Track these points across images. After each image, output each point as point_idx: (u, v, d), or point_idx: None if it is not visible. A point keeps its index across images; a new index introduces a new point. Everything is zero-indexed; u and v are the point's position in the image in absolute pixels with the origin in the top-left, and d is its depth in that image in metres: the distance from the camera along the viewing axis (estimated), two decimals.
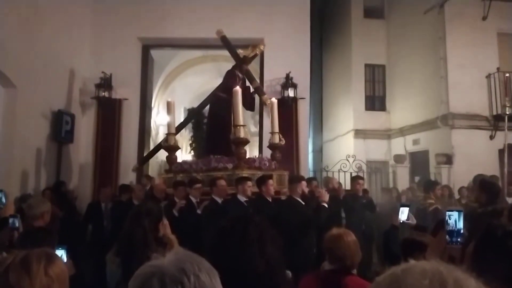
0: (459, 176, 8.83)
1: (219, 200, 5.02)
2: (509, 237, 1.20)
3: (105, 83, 8.60)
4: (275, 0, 9.11)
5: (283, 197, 5.40)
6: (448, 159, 9.53)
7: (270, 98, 7.05)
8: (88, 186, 8.49)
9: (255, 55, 6.91)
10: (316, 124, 15.23)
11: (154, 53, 10.09)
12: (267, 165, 6.25)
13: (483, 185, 4.35)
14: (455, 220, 1.68)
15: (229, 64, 11.93)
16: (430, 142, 10.49)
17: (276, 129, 6.52)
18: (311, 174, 9.64)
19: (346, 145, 12.38)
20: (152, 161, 10.97)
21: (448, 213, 1.72)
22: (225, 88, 6.62)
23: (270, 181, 5.11)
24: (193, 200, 5.22)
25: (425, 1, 10.53)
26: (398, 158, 10.35)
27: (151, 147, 9.71)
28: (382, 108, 12.74)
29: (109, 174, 8.33)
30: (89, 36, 8.95)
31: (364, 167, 9.79)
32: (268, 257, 1.40)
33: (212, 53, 11.83)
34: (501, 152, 9.64)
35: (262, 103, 6.88)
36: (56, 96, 7.86)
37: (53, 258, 1.47)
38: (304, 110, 9.05)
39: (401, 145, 11.65)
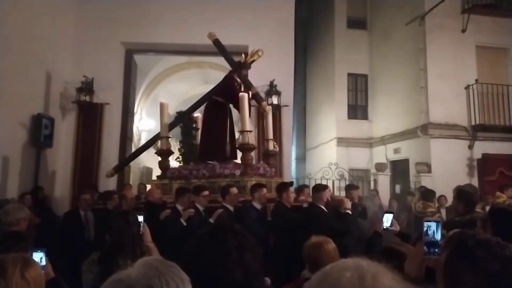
0: (438, 185, 8.98)
1: (231, 208, 4.88)
2: (480, 247, 1.19)
3: (87, 87, 8.47)
4: (260, 8, 9.17)
5: (304, 205, 5.26)
6: (428, 168, 9.71)
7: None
8: (67, 192, 8.31)
9: (253, 61, 6.75)
10: (300, 132, 15.32)
11: (138, 58, 10.01)
12: (269, 172, 6.17)
13: (460, 194, 4.43)
14: (433, 230, 1.69)
15: (214, 71, 12.02)
16: (411, 151, 10.67)
17: (271, 136, 6.45)
18: (294, 182, 9.65)
19: (329, 153, 12.48)
20: (133, 167, 10.83)
21: (426, 223, 1.72)
22: (223, 92, 6.41)
23: (291, 188, 5.04)
24: (200, 208, 4.94)
25: (406, 13, 10.77)
26: (380, 167, 10.48)
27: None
28: (364, 117, 12.91)
29: (89, 180, 8.11)
30: (71, 40, 8.82)
31: (346, 175, 9.87)
32: (247, 266, 1.41)
33: (197, 59, 11.81)
34: (479, 161, 9.88)
35: (261, 110, 6.73)
36: (36, 100, 7.70)
37: (30, 262, 1.48)
38: (287, 118, 9.09)
39: (382, 154, 11.81)
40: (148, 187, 8.82)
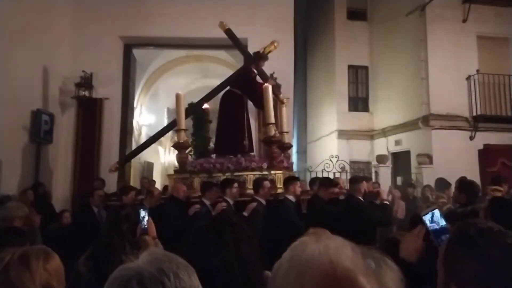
0: (439, 176, 8.96)
1: (264, 202, 4.86)
2: (481, 235, 1.18)
3: (86, 82, 8.42)
4: (259, 1, 9.09)
5: (341, 197, 5.28)
6: (429, 160, 9.69)
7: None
8: (68, 188, 8.30)
9: (270, 52, 6.63)
10: (300, 124, 15.29)
11: (137, 52, 9.95)
12: (290, 165, 6.21)
13: (463, 185, 4.41)
14: (437, 219, 1.65)
15: (213, 65, 11.96)
16: (412, 143, 10.65)
17: (285, 129, 6.39)
18: (296, 175, 9.63)
19: (330, 145, 12.46)
20: (134, 162, 10.82)
21: (425, 217, 1.66)
22: (240, 84, 6.27)
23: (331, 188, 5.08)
24: (230, 202, 4.90)
25: (407, 4, 10.69)
26: (381, 159, 10.47)
27: (133, 148, 9.54)
28: (365, 109, 12.88)
29: (90, 175, 8.09)
30: (68, 34, 8.75)
31: (347, 167, 9.86)
32: (244, 258, 1.41)
33: (196, 53, 11.75)
34: (480, 152, 9.86)
35: (279, 102, 6.64)
36: (35, 95, 7.66)
37: (50, 254, 1.52)
38: (288, 111, 9.03)
39: (383, 146, 11.79)
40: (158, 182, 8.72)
